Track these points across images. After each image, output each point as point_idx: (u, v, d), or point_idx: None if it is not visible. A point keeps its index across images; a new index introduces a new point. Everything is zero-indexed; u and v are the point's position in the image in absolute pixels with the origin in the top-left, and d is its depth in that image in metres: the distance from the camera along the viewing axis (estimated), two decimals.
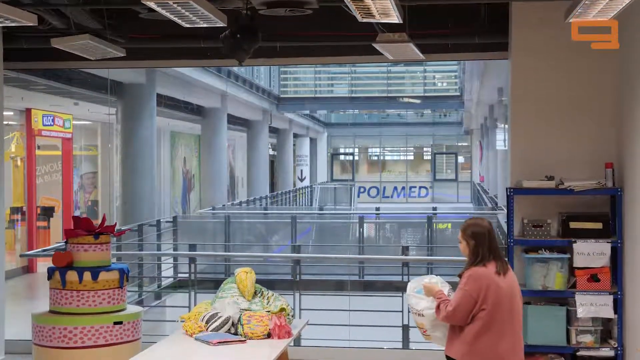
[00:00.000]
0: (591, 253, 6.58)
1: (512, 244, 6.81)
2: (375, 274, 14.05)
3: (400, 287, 8.66)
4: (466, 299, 4.60)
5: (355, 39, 7.61)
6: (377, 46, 6.68)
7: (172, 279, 13.42)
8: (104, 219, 7.66)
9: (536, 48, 6.96)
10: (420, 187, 44.50)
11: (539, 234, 6.74)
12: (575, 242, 6.60)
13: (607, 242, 6.59)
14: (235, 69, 21.09)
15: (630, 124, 6.43)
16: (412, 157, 46.10)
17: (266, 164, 29.52)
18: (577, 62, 6.82)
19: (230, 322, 5.74)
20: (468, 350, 4.62)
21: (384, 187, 44.56)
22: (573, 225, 6.70)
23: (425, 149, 45.77)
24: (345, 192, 35.58)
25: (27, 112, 15.77)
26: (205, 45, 7.79)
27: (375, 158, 46.26)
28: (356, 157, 45.69)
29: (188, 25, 5.58)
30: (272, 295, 6.08)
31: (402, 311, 8.38)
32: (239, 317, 5.76)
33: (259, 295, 6.07)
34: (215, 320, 5.74)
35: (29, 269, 15.74)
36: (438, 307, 4.71)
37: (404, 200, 43.12)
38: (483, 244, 4.71)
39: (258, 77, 25.28)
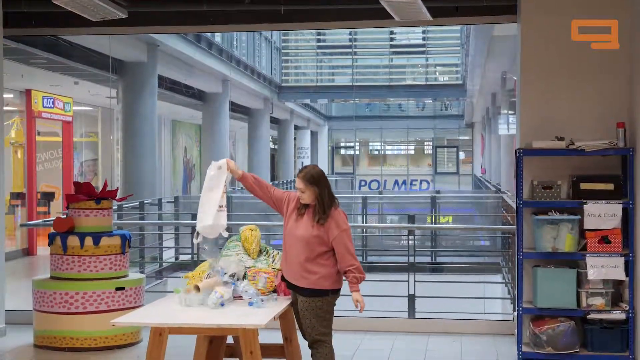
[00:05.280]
0: (602, 214, 6.47)
1: (521, 206, 6.70)
2: (378, 256, 13.94)
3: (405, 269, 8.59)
4: (350, 235, 5.15)
5: (361, 2, 7.50)
6: (384, 3, 6.55)
7: (173, 259, 13.31)
8: (105, 184, 7.55)
9: (545, 7, 6.85)
10: (421, 181, 44.44)
11: (548, 195, 6.62)
12: (585, 203, 6.49)
13: (619, 203, 6.47)
14: (237, 52, 20.97)
15: None
16: (413, 151, 46.02)
17: (267, 154, 29.39)
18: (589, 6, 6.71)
19: (235, 278, 5.62)
20: (336, 279, 5.16)
21: (385, 181, 44.49)
22: (584, 186, 6.58)
23: (426, 143, 45.70)
24: (346, 184, 35.51)
25: (27, 93, 15.65)
26: (208, 8, 7.68)
27: (377, 152, 46.20)
28: (357, 152, 45.60)
29: None
30: (278, 253, 5.95)
31: (407, 281, 8.27)
32: (244, 274, 5.64)
33: (264, 253, 5.95)
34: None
35: (28, 251, 15.63)
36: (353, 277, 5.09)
37: (405, 193, 43.07)
38: (328, 186, 5.17)
39: (259, 64, 25.15)
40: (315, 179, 5.12)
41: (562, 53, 6.80)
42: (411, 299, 8.13)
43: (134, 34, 11.20)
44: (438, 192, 20.10)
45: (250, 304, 5.16)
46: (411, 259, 8.57)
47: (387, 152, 46.92)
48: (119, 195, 7.60)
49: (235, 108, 24.39)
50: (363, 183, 43.15)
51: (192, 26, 8.50)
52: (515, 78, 10.14)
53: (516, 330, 6.72)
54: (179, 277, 9.67)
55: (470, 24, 12.98)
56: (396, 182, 44.07)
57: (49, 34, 9.50)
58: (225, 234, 5.43)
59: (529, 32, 6.92)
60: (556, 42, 6.80)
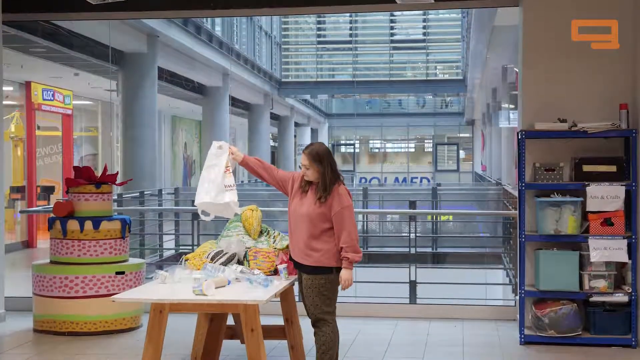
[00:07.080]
0: (605, 196, 6.44)
1: (523, 188, 6.66)
2: (380, 247, 13.90)
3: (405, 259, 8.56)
4: (352, 212, 5.10)
5: None
6: None
7: (173, 250, 13.25)
8: (105, 169, 7.51)
9: None
10: (421, 178, 44.36)
11: (551, 177, 6.59)
12: (588, 185, 6.46)
13: (622, 185, 6.45)
14: (237, 46, 20.91)
15: None
16: (413, 149, 45.95)
17: (267, 151, 29.33)
18: (590, 2, 6.68)
19: (236, 258, 5.59)
20: (340, 256, 5.06)
21: (385, 178, 44.41)
22: (586, 168, 6.55)
23: (426, 141, 45.61)
24: (347, 181, 35.51)
25: (27, 85, 15.61)
26: None
27: (377, 150, 46.14)
28: (357, 149, 45.53)
29: None
30: (279, 234, 5.92)
31: (408, 268, 8.24)
32: (245, 254, 5.61)
33: (265, 234, 5.92)
34: (221, 257, 5.57)
35: (28, 243, 15.58)
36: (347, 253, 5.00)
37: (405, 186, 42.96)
38: (332, 164, 5.10)
39: (260, 59, 25.10)
40: (320, 156, 5.09)
41: (563, 35, 6.76)
42: (412, 284, 8.09)
43: (133, 18, 11.11)
44: (439, 184, 20.04)
45: (266, 284, 5.10)
46: (412, 246, 8.53)
47: (388, 150, 46.85)
48: (118, 180, 7.56)
49: (235, 103, 24.35)
50: (363, 180, 43.07)
51: (192, 11, 8.42)
52: (516, 69, 10.12)
53: (518, 314, 6.68)
54: (180, 265, 9.61)
55: (472, 7, 12.88)
56: (396, 179, 43.99)
57: (48, 18, 9.43)
58: (239, 211, 5.42)
59: (531, 15, 6.88)
60: (558, 25, 6.76)
